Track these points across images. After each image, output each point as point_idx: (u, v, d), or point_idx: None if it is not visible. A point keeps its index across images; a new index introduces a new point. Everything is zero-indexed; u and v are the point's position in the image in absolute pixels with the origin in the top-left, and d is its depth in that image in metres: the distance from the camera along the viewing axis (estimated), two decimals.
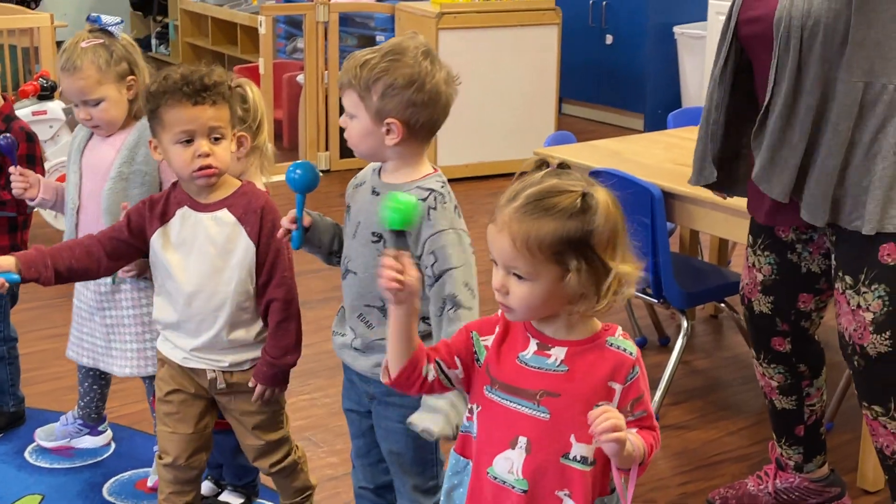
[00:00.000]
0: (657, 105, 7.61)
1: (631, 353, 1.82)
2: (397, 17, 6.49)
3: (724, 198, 2.99)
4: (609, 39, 7.71)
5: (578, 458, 1.81)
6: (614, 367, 1.81)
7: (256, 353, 2.52)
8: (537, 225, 1.73)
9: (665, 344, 4.12)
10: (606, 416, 1.72)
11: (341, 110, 2.23)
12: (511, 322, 1.86)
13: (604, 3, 7.67)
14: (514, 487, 1.83)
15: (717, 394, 3.81)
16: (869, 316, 2.55)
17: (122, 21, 2.90)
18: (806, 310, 2.84)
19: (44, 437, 3.29)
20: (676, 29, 7.39)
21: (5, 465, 3.18)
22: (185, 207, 2.47)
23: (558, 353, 1.82)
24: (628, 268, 1.77)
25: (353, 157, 6.56)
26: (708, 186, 2.88)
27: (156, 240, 2.48)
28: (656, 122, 7.57)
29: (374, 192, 2.24)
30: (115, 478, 3.13)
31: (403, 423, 2.20)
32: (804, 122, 2.54)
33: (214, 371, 2.52)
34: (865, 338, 2.56)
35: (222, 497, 2.97)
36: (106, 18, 2.87)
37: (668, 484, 3.21)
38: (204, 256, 2.46)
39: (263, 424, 2.59)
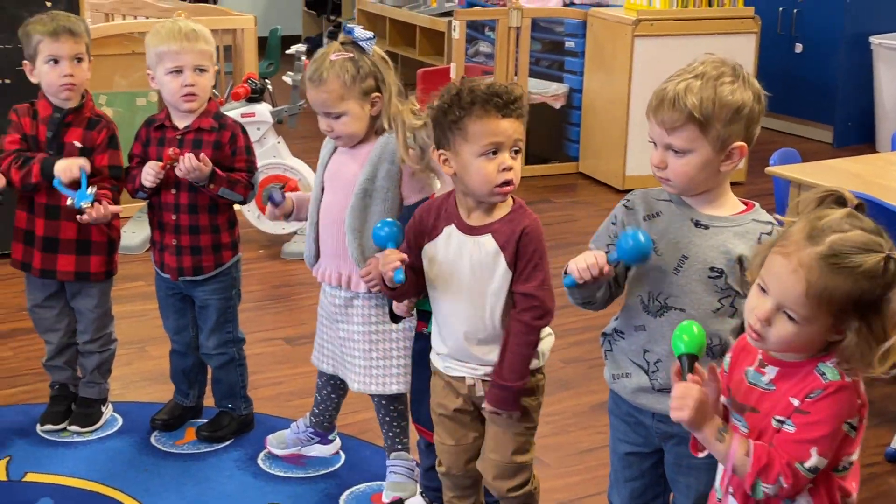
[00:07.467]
0: (847, 118, 7.34)
1: (825, 378, 1.76)
2: (589, 23, 6.38)
3: None
4: (799, 48, 7.47)
5: None
6: (804, 388, 1.78)
7: None
8: (836, 281, 1.67)
9: None
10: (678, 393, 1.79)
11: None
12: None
13: (794, 10, 7.43)
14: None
15: None
16: None
17: (374, 36, 2.86)
18: None
19: (275, 444, 3.29)
20: (873, 39, 7.10)
21: (242, 473, 3.18)
22: (453, 227, 2.43)
23: (770, 373, 1.83)
24: None
25: (536, 164, 6.53)
26: None
27: (425, 254, 2.47)
28: (846, 136, 7.30)
29: (701, 226, 2.14)
30: (350, 490, 3.10)
31: (706, 459, 2.13)
32: None
33: (473, 378, 2.49)
34: None
35: None
36: (358, 32, 2.84)
37: None
38: (462, 282, 2.43)
39: (516, 443, 2.52)
